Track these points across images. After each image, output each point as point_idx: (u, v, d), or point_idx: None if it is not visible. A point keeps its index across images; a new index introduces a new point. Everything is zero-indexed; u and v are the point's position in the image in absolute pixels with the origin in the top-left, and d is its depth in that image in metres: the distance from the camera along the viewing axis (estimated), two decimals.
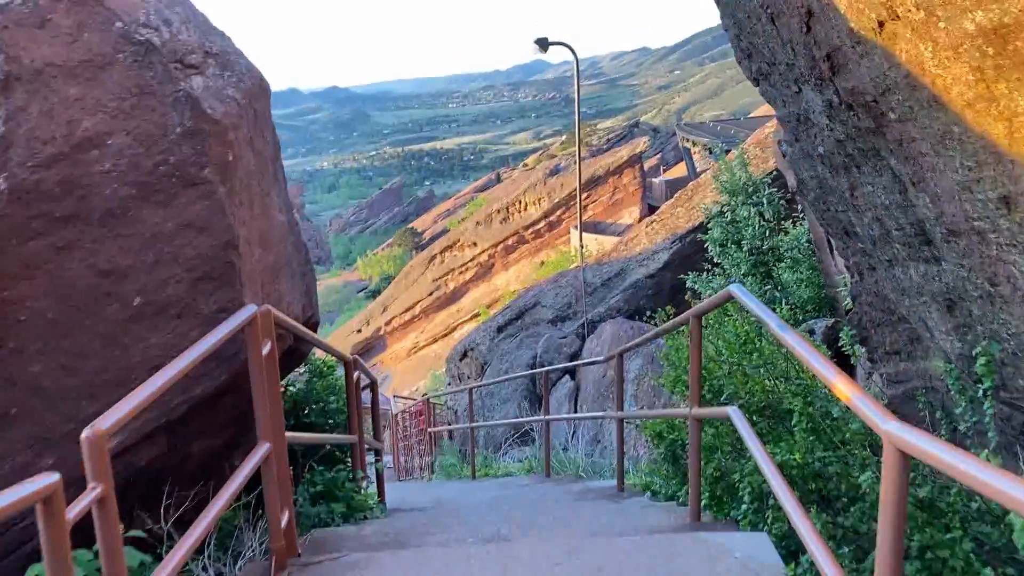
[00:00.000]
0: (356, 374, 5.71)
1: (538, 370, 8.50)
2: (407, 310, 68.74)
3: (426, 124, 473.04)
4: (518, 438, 10.60)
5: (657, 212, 14.19)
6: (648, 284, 13.36)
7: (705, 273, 10.70)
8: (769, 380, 4.88)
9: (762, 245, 9.96)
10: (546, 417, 8.34)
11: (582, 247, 13.82)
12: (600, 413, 7.12)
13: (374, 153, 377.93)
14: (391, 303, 71.35)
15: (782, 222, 10.40)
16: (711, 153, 53.29)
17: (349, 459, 6.05)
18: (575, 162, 13.53)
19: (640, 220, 53.75)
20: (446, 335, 64.70)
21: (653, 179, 58.98)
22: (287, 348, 4.80)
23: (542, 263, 55.87)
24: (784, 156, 4.99)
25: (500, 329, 13.31)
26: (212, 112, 3.47)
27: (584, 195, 53.56)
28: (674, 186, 56.18)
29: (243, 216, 3.75)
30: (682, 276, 11.21)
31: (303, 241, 5.06)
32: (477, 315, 61.25)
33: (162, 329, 3.59)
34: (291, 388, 6.52)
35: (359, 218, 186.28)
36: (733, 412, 3.63)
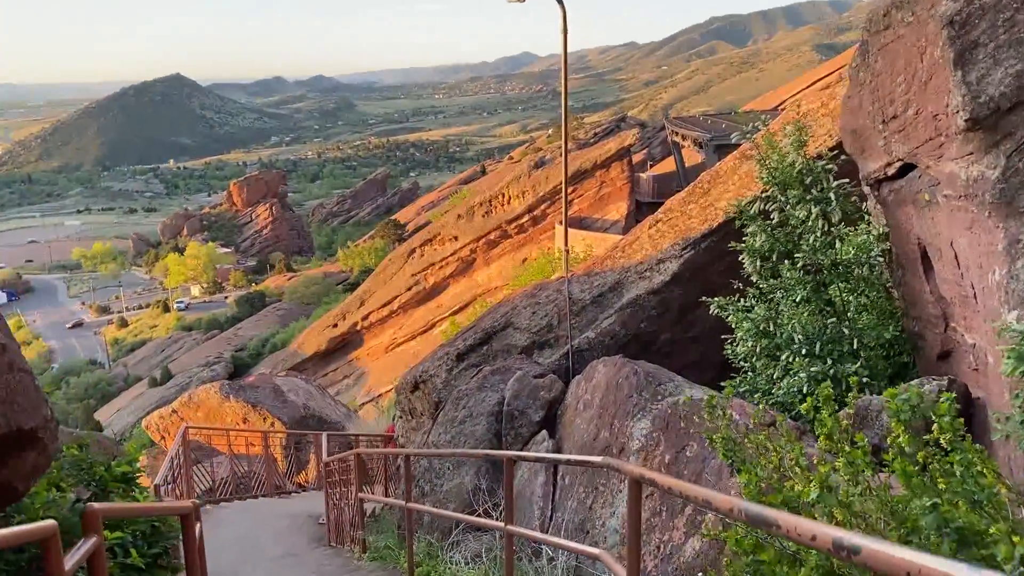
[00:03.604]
0: (86, 546, 2.61)
1: (501, 453, 5.50)
2: (385, 305, 65.91)
3: (412, 115, 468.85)
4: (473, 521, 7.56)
5: (663, 208, 11.19)
6: (652, 302, 10.36)
7: (737, 296, 7.69)
8: None
9: (824, 260, 6.97)
10: (508, 527, 5.32)
11: (567, 252, 10.78)
12: (593, 550, 4.11)
13: (359, 143, 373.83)
14: (368, 298, 68.44)
15: (843, 225, 7.42)
16: (701, 147, 50.59)
17: None
18: (561, 154, 10.26)
19: (628, 216, 51.05)
20: (424, 332, 61.84)
21: (640, 174, 56.34)
22: None
23: (524, 260, 52.94)
24: None
25: (460, 357, 10.26)
26: None
27: (569, 189, 50.66)
28: (662, 181, 53.55)
29: None
30: (701, 299, 8.19)
31: None
32: (457, 311, 58.36)
33: None
34: None
35: (342, 208, 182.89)
36: None
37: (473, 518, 6.02)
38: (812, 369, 6.56)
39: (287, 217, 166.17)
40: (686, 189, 11.68)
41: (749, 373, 7.60)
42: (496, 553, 6.82)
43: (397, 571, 8.11)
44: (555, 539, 4.69)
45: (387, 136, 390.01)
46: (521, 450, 8.28)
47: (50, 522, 2.36)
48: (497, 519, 6.92)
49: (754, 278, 7.68)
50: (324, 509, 11.84)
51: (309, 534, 11.78)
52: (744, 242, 7.73)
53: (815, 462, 3.02)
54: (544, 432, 8.16)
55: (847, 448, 2.92)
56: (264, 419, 23.18)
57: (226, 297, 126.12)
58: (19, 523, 3.81)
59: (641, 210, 50.35)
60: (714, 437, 3.87)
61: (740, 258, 7.77)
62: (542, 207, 54.53)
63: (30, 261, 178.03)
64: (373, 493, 14.44)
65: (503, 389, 8.70)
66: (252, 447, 18.12)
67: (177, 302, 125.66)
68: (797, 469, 3.19)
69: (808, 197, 7.10)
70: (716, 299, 7.75)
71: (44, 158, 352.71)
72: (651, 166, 68.55)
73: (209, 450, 19.04)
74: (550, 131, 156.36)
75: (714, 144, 50.06)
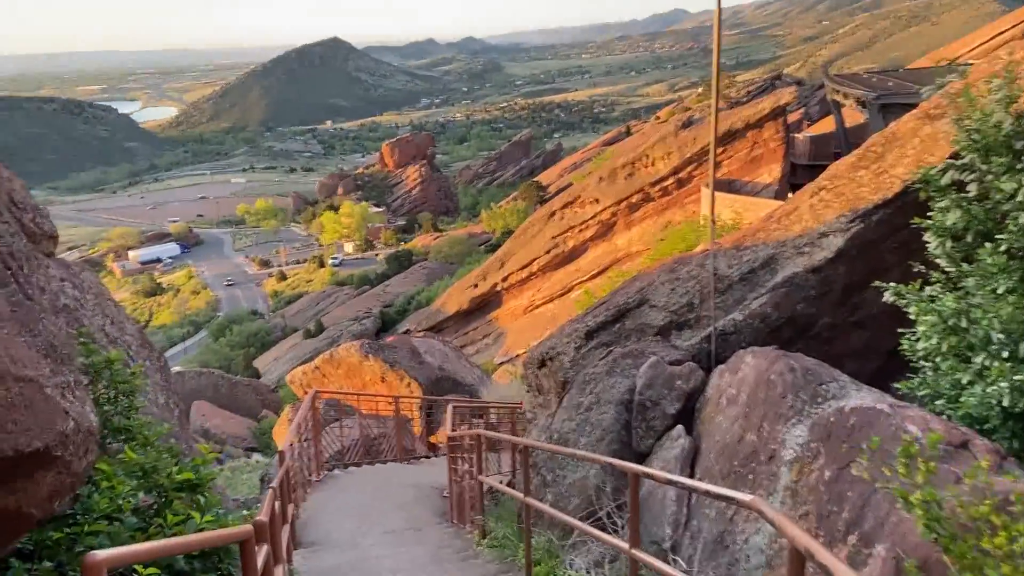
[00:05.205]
0: None
1: (625, 465, 4.72)
2: (524, 267, 65.96)
3: (558, 75, 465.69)
4: (595, 521, 6.84)
5: (827, 175, 9.89)
6: (811, 282, 9.16)
7: (920, 283, 6.44)
8: None
9: None
10: (632, 551, 4.56)
11: (714, 222, 9.72)
12: None
13: (505, 104, 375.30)
14: (509, 259, 68.73)
15: None
16: (864, 107, 46.77)
17: None
18: (711, 114, 8.89)
19: (781, 179, 48.05)
20: (562, 295, 61.44)
21: (796, 135, 52.82)
22: None
23: (667, 224, 51.11)
24: None
25: (590, 335, 9.47)
26: None
27: (719, 150, 48.24)
28: (819, 143, 49.96)
29: None
30: (872, 282, 6.98)
31: None
32: (595, 275, 57.40)
33: None
34: None
35: (487, 170, 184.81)
36: None
37: (594, 531, 5.30)
38: (1016, 377, 5.33)
39: (435, 178, 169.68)
40: (855, 153, 10.26)
41: (929, 373, 6.39)
42: (620, 568, 6.09)
43: (515, 566, 7.55)
44: None
45: (533, 97, 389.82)
46: (653, 445, 7.46)
47: None
48: (622, 529, 6.17)
49: (941, 261, 6.41)
50: (448, 482, 11.50)
51: (432, 507, 11.49)
52: (930, 217, 6.46)
53: None
54: (680, 428, 7.28)
55: None
56: (401, 379, 23.40)
57: (377, 254, 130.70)
58: (77, 531, 3.42)
59: (796, 173, 47.31)
60: (911, 499, 2.92)
61: (924, 237, 6.51)
62: (688, 169, 52.33)
63: (200, 216, 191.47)
64: (500, 461, 14.06)
65: (635, 375, 7.87)
66: (387, 407, 18.17)
67: (332, 258, 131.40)
68: None
69: (1018, 166, 5.77)
70: (892, 284, 6.55)
71: (214, 119, 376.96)
72: (808, 126, 64.41)
73: (345, 409, 19.33)
74: (699, 90, 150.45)
75: (879, 103, 46.09)
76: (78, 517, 3.52)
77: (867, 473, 3.69)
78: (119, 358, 4.41)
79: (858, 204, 9.20)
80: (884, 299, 6.83)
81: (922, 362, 6.43)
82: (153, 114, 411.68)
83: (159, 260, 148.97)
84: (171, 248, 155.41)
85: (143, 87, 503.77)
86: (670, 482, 4.24)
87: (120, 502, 3.58)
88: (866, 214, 9.10)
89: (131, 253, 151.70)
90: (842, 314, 9.68)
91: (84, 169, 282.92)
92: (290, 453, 9.79)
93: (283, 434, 22.50)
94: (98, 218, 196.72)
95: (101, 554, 2.16)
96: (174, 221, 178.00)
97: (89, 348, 4.36)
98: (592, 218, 59.51)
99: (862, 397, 5.82)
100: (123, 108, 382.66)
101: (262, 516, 3.55)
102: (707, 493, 3.76)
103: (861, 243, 9.17)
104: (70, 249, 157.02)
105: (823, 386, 6.08)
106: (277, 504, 5.62)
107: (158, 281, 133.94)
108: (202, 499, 4.04)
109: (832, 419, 5.66)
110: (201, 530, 3.61)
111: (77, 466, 2.71)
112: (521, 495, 6.83)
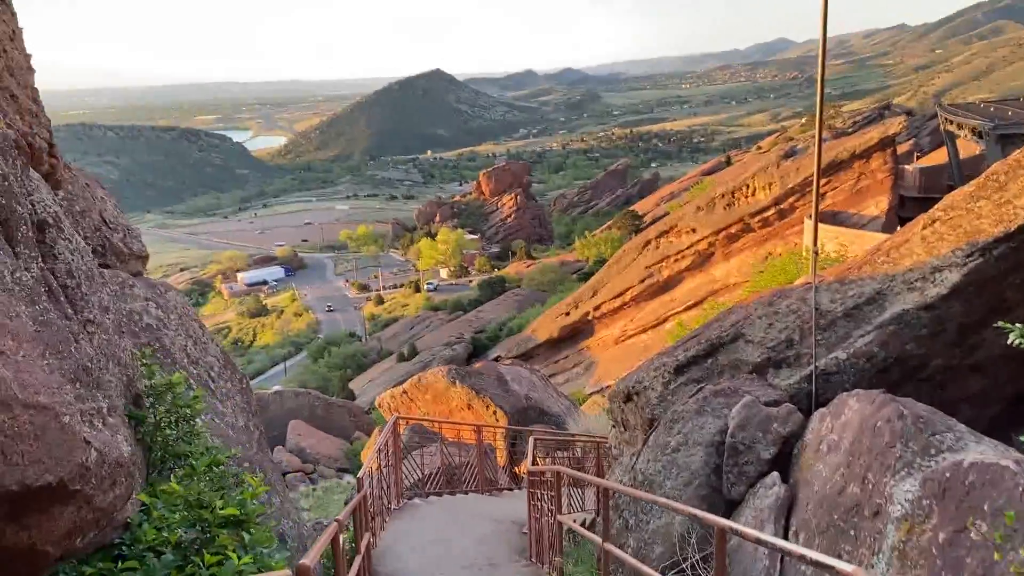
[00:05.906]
0: None
1: (713, 519, 4.21)
2: (617, 296, 65.15)
3: (657, 105, 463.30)
4: (679, 573, 6.35)
5: (942, 205, 9.15)
6: (923, 320, 8.42)
7: None
8: None
9: None
10: None
11: (816, 253, 9.10)
12: None
13: (602, 134, 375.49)
14: (601, 288, 68.04)
15: None
16: (981, 137, 44.00)
17: None
18: (815, 143, 8.26)
19: (889, 211, 45.86)
20: (656, 326, 60.24)
21: (906, 166, 50.43)
22: None
23: (767, 256, 49.49)
24: None
25: (679, 370, 8.96)
26: None
27: (823, 181, 46.51)
28: (930, 174, 47.50)
29: None
30: (996, 323, 6.29)
31: None
32: (691, 307, 56.07)
33: None
34: None
35: (582, 199, 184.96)
36: None
37: None
38: None
39: (530, 207, 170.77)
40: (974, 182, 9.47)
41: None
42: None
43: None
44: None
45: (631, 127, 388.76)
46: (745, 492, 6.92)
47: None
48: None
49: None
50: (527, 518, 11.11)
51: (511, 544, 11.12)
52: None
53: None
54: (775, 474, 6.72)
55: None
56: (487, 407, 23.20)
57: (470, 281, 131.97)
58: (109, 567, 3.26)
59: (905, 206, 45.10)
60: None
61: None
62: (790, 200, 50.63)
63: (305, 241, 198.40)
64: (584, 497, 13.57)
65: (727, 416, 7.35)
66: (470, 435, 17.95)
67: (427, 283, 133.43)
68: None
69: None
70: (1018, 326, 5.87)
71: (321, 148, 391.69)
72: (918, 158, 61.58)
73: (430, 434, 19.22)
74: (803, 120, 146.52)
75: (998, 133, 43.56)
76: (124, 548, 3.38)
77: (998, 552, 3.17)
78: (180, 380, 4.31)
79: (977, 237, 8.44)
80: (1012, 343, 6.14)
81: None
82: (264, 143, 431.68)
83: (265, 282, 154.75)
84: (276, 271, 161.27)
85: (255, 117, 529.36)
86: (760, 542, 3.79)
87: (167, 534, 3.42)
88: (986, 248, 8.33)
89: (239, 275, 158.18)
90: (957, 356, 8.87)
91: (198, 194, 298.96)
92: (368, 480, 9.64)
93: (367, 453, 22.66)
94: (210, 241, 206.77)
95: None
96: (280, 245, 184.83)
97: (151, 369, 4.28)
98: (688, 248, 58.29)
99: (982, 451, 5.18)
100: (236, 137, 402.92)
101: (306, 560, 3.33)
102: (802, 558, 3.31)
103: (980, 279, 8.39)
104: (182, 270, 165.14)
105: (936, 436, 5.45)
106: (343, 537, 5.41)
107: (263, 303, 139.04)
108: (247, 536, 3.83)
109: (947, 474, 5.04)
110: (239, 573, 3.41)
111: (101, 500, 2.52)
112: (600, 540, 6.42)
